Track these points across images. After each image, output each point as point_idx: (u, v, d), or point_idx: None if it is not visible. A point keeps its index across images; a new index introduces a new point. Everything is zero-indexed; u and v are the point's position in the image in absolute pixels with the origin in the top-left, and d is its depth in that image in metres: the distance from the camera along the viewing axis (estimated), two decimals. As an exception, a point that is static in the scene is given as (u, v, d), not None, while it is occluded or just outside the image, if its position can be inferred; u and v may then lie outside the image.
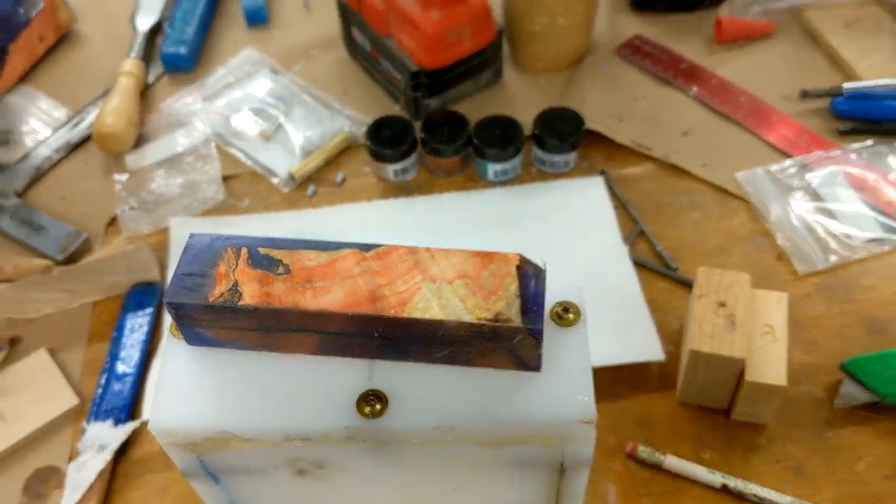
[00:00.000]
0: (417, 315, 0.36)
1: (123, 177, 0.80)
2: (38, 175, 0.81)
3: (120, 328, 0.70)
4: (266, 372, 0.40)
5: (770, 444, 0.61)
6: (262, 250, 0.39)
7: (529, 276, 0.38)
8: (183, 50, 0.89)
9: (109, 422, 0.64)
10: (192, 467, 0.42)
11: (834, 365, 0.64)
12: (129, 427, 0.63)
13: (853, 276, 0.69)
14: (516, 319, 0.36)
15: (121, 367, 0.67)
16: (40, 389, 0.66)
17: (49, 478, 0.63)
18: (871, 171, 0.76)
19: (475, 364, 0.39)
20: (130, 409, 0.65)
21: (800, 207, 0.74)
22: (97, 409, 0.65)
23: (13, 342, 0.70)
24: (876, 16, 0.88)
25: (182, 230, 0.76)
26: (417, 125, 0.79)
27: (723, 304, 0.60)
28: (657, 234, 0.73)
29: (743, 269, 0.70)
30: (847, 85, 0.80)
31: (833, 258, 0.70)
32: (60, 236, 0.75)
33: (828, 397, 0.63)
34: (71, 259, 0.74)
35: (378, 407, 0.38)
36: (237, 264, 0.39)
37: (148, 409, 0.64)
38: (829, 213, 0.73)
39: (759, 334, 0.60)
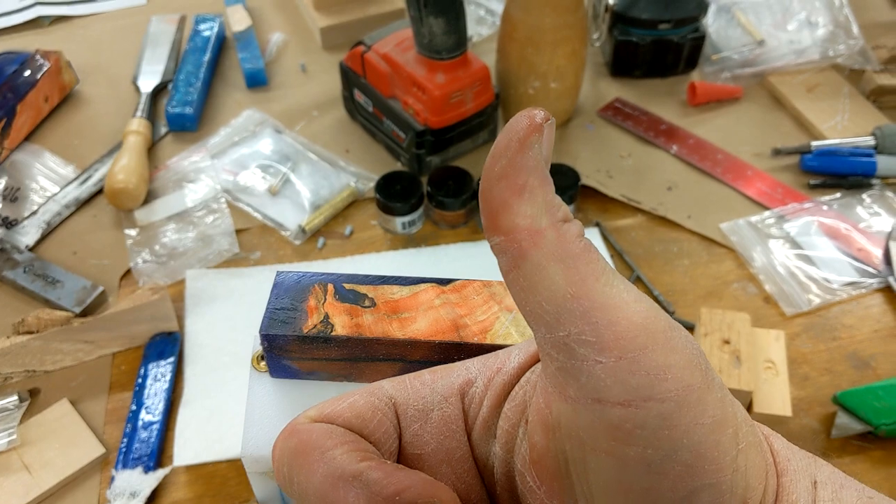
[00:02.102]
0: (499, 341, 0.40)
1: (134, 231, 0.82)
2: (49, 230, 0.83)
3: (142, 377, 0.71)
4: (349, 400, 0.43)
5: (774, 471, 0.65)
6: (347, 286, 0.42)
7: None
8: (189, 110, 0.92)
9: (139, 469, 0.65)
10: (271, 496, 0.44)
11: (826, 397, 0.69)
12: (161, 473, 0.64)
13: (835, 316, 0.75)
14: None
15: (145, 416, 0.68)
16: (65, 439, 0.67)
17: (77, 527, 0.63)
18: (842, 220, 0.82)
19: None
20: (158, 456, 0.66)
21: (781, 254, 0.80)
22: (125, 457, 0.66)
23: (33, 393, 0.70)
24: (834, 81, 0.97)
25: (197, 282, 0.78)
26: (422, 180, 0.83)
27: (727, 342, 0.65)
28: (651, 279, 0.78)
29: (734, 310, 0.76)
30: (815, 143, 0.88)
31: (815, 300, 0.76)
32: (76, 289, 0.76)
33: (823, 428, 0.67)
34: (87, 311, 0.75)
35: (458, 429, 0.41)
36: (326, 298, 0.42)
37: (177, 455, 0.65)
38: (808, 260, 0.79)
39: (761, 369, 0.65)
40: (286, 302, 0.42)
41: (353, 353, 0.41)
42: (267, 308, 0.41)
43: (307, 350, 0.41)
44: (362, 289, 0.43)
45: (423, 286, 0.43)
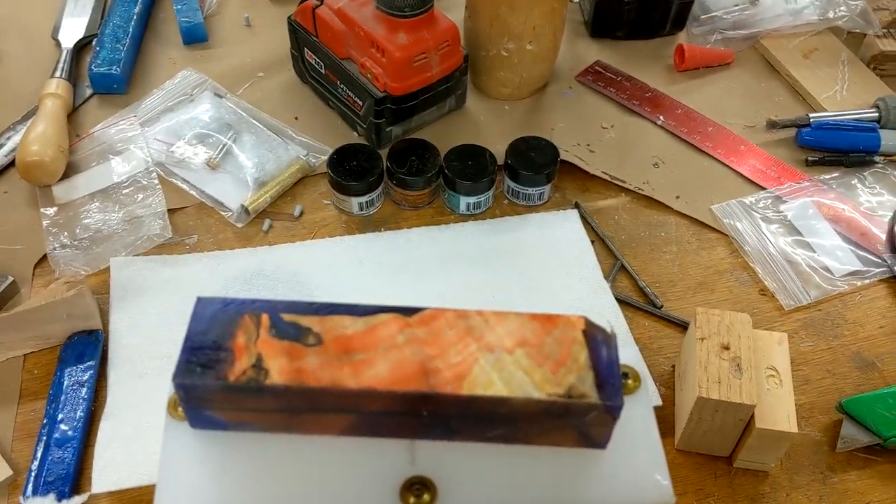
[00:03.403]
0: (479, 392, 0.32)
1: (52, 210, 0.72)
2: (-49, 209, 0.72)
3: (58, 385, 0.62)
4: (289, 459, 0.34)
5: (775, 492, 0.58)
6: (286, 316, 0.34)
7: (599, 343, 0.33)
8: (115, 70, 0.81)
9: (51, 497, 0.56)
10: (195, 570, 0.36)
11: (828, 404, 0.62)
12: (76, 502, 0.55)
13: (837, 311, 0.68)
14: (592, 395, 0.32)
15: (61, 430, 0.59)
16: (-35, 460, 0.57)
17: (-20, 564, 0.54)
18: (842, 201, 0.75)
19: (534, 442, 0.34)
20: (75, 479, 0.57)
21: (778, 240, 0.72)
22: (35, 481, 0.57)
23: (-71, 404, 0.61)
24: (832, 46, 0.89)
25: (124, 271, 0.68)
26: (382, 154, 0.74)
27: (726, 347, 0.58)
28: (636, 268, 0.71)
29: (728, 304, 0.69)
30: (814, 116, 0.80)
31: (815, 293, 0.69)
32: (-19, 279, 0.66)
33: (826, 440, 0.61)
34: (-6, 306, 0.65)
35: (426, 497, 0.33)
36: (258, 334, 0.33)
37: (96, 480, 0.56)
38: (807, 247, 0.72)
39: (764, 378, 0.58)
40: (208, 339, 0.33)
41: (293, 405, 0.33)
42: (183, 347, 0.33)
43: (235, 400, 0.33)
44: (305, 321, 0.34)
45: (382, 317, 0.34)
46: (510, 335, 0.34)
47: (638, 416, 0.35)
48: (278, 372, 0.32)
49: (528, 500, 0.33)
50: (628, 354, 0.37)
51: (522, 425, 0.33)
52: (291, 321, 0.33)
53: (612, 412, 0.32)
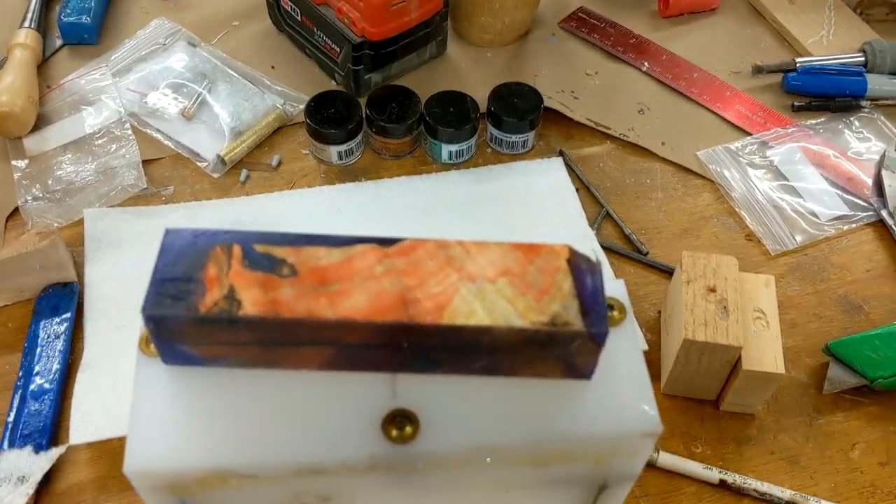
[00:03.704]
0: (460, 321, 0.31)
1: (23, 163, 0.70)
2: (-82, 162, 0.70)
3: (33, 337, 0.60)
4: (267, 394, 0.33)
5: (762, 434, 0.58)
6: (258, 247, 0.32)
7: (584, 272, 0.32)
8: (86, 19, 0.79)
9: (28, 448, 0.55)
10: (171, 512, 0.35)
11: (815, 347, 0.62)
12: (54, 454, 0.54)
13: (824, 255, 0.68)
14: (576, 322, 0.31)
15: (37, 383, 0.58)
16: (-62, 414, 0.56)
17: (-44, 518, 0.53)
18: (829, 147, 0.74)
19: (517, 374, 0.33)
20: (52, 431, 0.56)
21: (764, 186, 0.71)
22: (12, 433, 0.56)
23: None
24: (818, -10, 0.88)
25: (98, 223, 0.66)
26: (361, 102, 0.72)
27: (712, 290, 0.57)
28: (621, 215, 0.70)
29: (714, 250, 0.68)
30: (800, 60, 0.79)
31: (801, 237, 0.68)
32: (-49, 233, 0.64)
33: (813, 382, 0.61)
34: (-35, 259, 0.64)
35: (408, 429, 0.32)
36: (230, 265, 0.32)
37: (74, 432, 0.55)
38: (794, 191, 0.71)
39: (751, 319, 0.57)
40: (178, 270, 0.31)
41: (269, 338, 0.32)
42: (152, 279, 0.31)
43: (207, 334, 0.31)
44: (279, 251, 0.33)
45: (359, 248, 0.33)
46: (492, 264, 0.32)
47: (623, 347, 0.35)
48: (251, 303, 0.31)
49: (513, 431, 0.33)
50: (614, 287, 0.36)
51: (505, 356, 0.32)
52: (264, 252, 0.32)
53: (596, 340, 0.31)
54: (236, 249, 0.32)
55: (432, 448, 0.32)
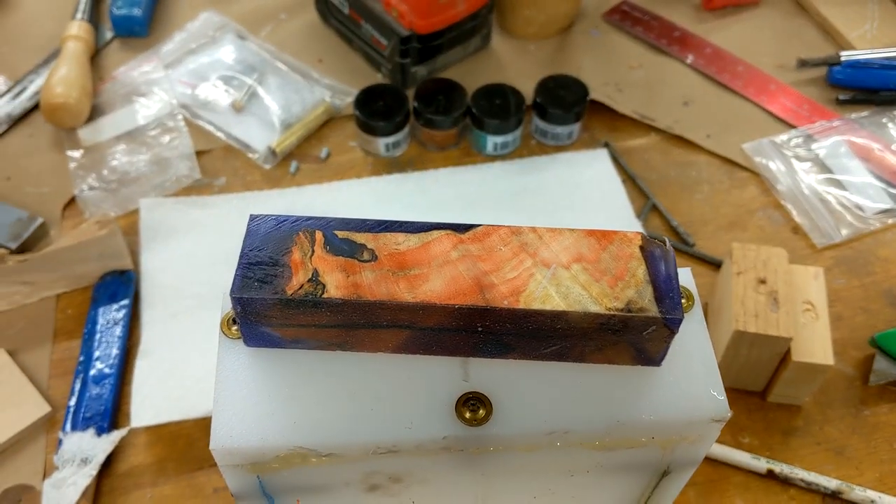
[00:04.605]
0: (536, 306, 0.31)
1: (78, 153, 0.72)
2: (-23, 152, 0.72)
3: (92, 323, 0.62)
4: (345, 376, 0.34)
5: (808, 425, 0.58)
6: (339, 233, 0.33)
7: (657, 258, 0.33)
8: (137, 12, 0.80)
9: (90, 431, 0.56)
10: (249, 489, 0.36)
11: (861, 339, 0.62)
12: (116, 436, 0.56)
13: (869, 249, 0.68)
14: (651, 308, 0.31)
15: (97, 368, 0.59)
16: (3, 397, 0.58)
17: (22, 497, 0.55)
18: (874, 140, 0.74)
19: (588, 360, 0.34)
20: (113, 415, 0.58)
21: (809, 179, 0.72)
22: (74, 416, 0.57)
23: (-36, 344, 0.61)
24: (862, -17, 0.87)
25: (154, 212, 0.68)
26: (408, 94, 0.73)
27: (763, 281, 0.57)
28: (669, 208, 0.70)
29: (761, 243, 0.68)
30: (845, 54, 0.79)
31: (847, 231, 0.68)
32: (10, 221, 0.66)
33: (859, 374, 0.61)
34: (24, 247, 0.65)
35: (481, 412, 0.33)
36: (313, 250, 0.33)
37: (135, 415, 0.56)
38: (839, 185, 0.71)
39: (800, 311, 0.57)
40: (264, 255, 0.33)
41: (350, 320, 0.33)
42: (239, 263, 0.32)
43: (292, 316, 0.32)
44: (359, 237, 0.34)
45: (435, 234, 0.34)
46: (566, 251, 0.33)
47: (691, 333, 0.35)
48: (335, 286, 0.32)
49: (584, 416, 0.33)
50: (682, 274, 0.37)
51: (577, 342, 0.33)
52: (345, 237, 0.33)
53: (671, 326, 0.32)
54: (318, 235, 0.33)
55: (505, 431, 0.33)
